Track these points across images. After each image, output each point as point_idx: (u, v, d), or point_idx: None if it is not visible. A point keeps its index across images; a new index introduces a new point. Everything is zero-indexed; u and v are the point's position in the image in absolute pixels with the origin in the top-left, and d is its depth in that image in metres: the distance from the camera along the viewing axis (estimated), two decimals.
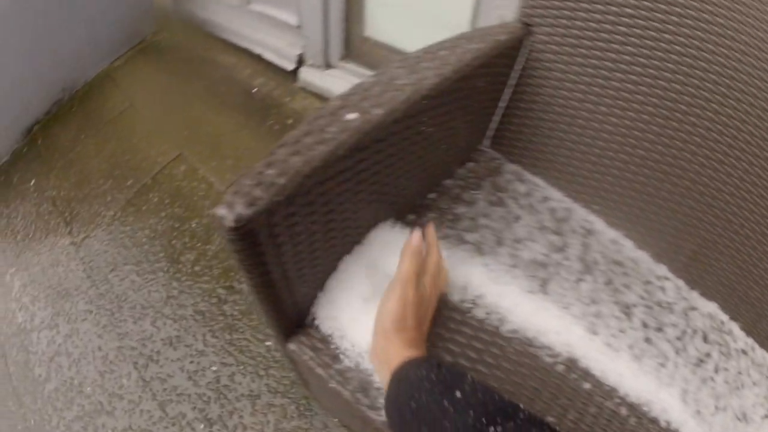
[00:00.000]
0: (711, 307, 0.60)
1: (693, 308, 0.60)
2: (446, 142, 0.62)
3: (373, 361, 0.49)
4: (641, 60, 0.55)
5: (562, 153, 0.66)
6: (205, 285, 1.09)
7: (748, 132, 0.50)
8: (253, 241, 0.39)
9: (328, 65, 1.41)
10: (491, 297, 0.57)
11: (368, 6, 1.24)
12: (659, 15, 0.52)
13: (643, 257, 0.64)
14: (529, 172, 0.71)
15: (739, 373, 0.56)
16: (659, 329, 0.57)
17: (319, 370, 0.52)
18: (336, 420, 0.88)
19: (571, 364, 0.54)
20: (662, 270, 0.63)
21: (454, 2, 1.04)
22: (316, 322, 0.55)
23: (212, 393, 0.94)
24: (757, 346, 0.58)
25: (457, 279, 0.58)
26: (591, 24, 0.56)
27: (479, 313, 0.56)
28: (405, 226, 0.62)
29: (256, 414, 0.90)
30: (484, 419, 0.33)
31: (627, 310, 0.58)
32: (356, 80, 0.48)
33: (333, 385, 0.51)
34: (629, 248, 0.64)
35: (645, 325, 0.57)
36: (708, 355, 0.56)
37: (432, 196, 0.67)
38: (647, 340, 0.56)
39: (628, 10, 0.53)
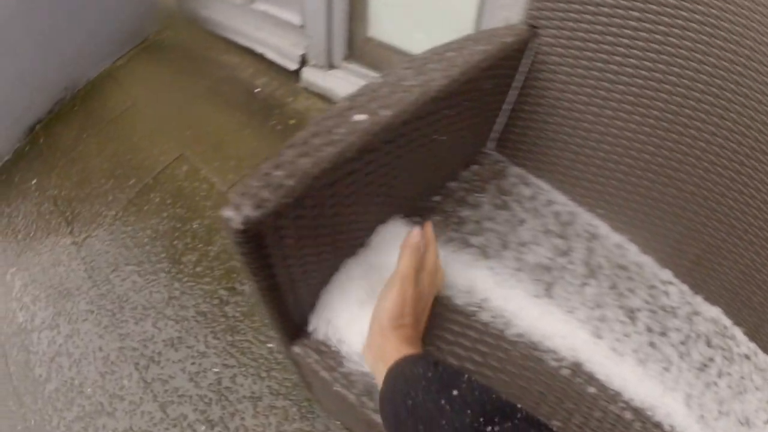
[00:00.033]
0: (714, 311, 0.60)
1: (697, 313, 0.60)
2: (452, 143, 0.62)
3: (367, 357, 0.49)
4: (647, 64, 0.55)
5: (566, 156, 0.66)
6: (206, 286, 1.09)
7: (752, 137, 0.51)
8: (259, 243, 0.39)
9: (330, 65, 1.40)
10: (496, 300, 0.57)
11: (372, 6, 1.24)
12: (666, 19, 0.52)
13: (648, 261, 0.64)
14: (533, 175, 0.71)
15: (742, 377, 0.56)
16: (663, 333, 0.57)
17: (324, 373, 0.51)
18: (338, 423, 0.88)
19: (576, 368, 0.53)
20: (666, 274, 0.63)
21: (458, 3, 1.04)
22: (320, 325, 0.54)
23: (214, 395, 0.93)
24: (759, 350, 0.58)
25: (462, 282, 0.58)
26: (597, 27, 0.56)
27: (484, 316, 0.56)
28: (410, 229, 0.61)
29: (258, 416, 0.90)
30: (481, 418, 0.32)
31: (631, 314, 0.58)
32: (359, 81, 0.48)
33: (338, 388, 0.50)
34: (633, 252, 0.64)
35: (649, 330, 0.57)
36: (711, 359, 0.56)
37: (436, 198, 0.67)
38: (651, 344, 0.56)
39: (634, 13, 0.53)
